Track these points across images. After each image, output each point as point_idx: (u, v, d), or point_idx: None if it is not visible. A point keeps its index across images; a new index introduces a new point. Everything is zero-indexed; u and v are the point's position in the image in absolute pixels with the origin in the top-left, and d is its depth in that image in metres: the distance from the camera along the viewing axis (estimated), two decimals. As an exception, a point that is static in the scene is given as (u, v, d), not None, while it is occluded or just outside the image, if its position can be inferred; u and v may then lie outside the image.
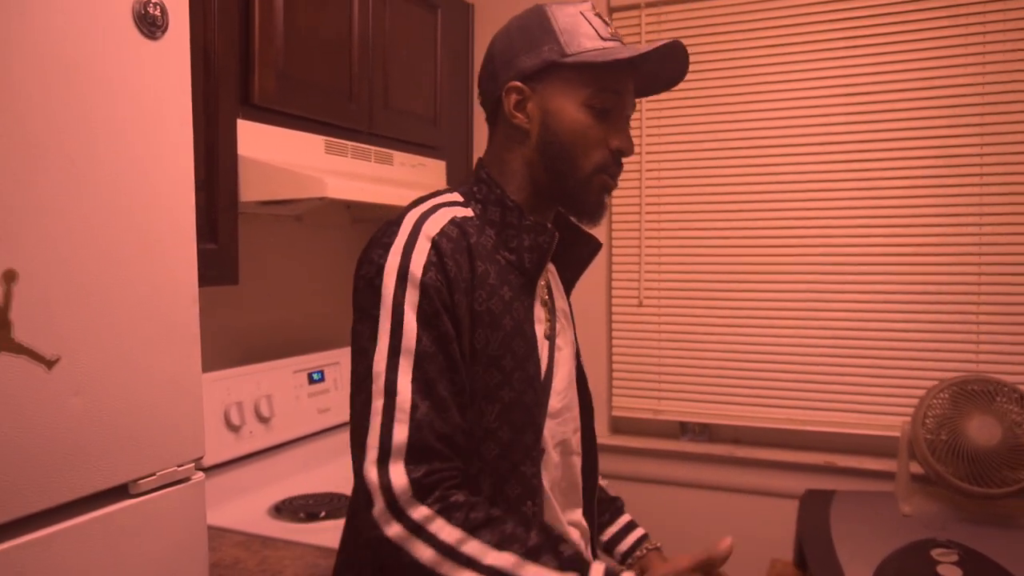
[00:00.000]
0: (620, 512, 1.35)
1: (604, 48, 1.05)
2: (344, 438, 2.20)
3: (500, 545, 0.91)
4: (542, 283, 1.13)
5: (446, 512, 0.92)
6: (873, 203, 2.10)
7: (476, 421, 1.00)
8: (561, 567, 0.91)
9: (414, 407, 0.94)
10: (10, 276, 0.78)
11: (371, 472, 0.92)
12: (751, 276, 2.23)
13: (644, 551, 1.28)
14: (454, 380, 0.97)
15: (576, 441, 1.18)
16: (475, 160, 2.50)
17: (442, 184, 2.33)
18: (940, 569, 1.58)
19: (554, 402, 1.10)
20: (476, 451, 1.00)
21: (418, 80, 2.20)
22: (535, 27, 1.08)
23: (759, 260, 2.22)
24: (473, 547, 0.91)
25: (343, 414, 2.18)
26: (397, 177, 2.10)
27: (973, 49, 2.00)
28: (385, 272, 0.98)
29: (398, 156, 2.11)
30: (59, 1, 0.84)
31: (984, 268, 2.01)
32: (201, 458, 1.01)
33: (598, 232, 1.23)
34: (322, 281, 2.40)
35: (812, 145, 2.16)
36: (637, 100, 1.15)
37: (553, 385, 1.10)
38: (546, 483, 1.08)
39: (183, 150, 0.97)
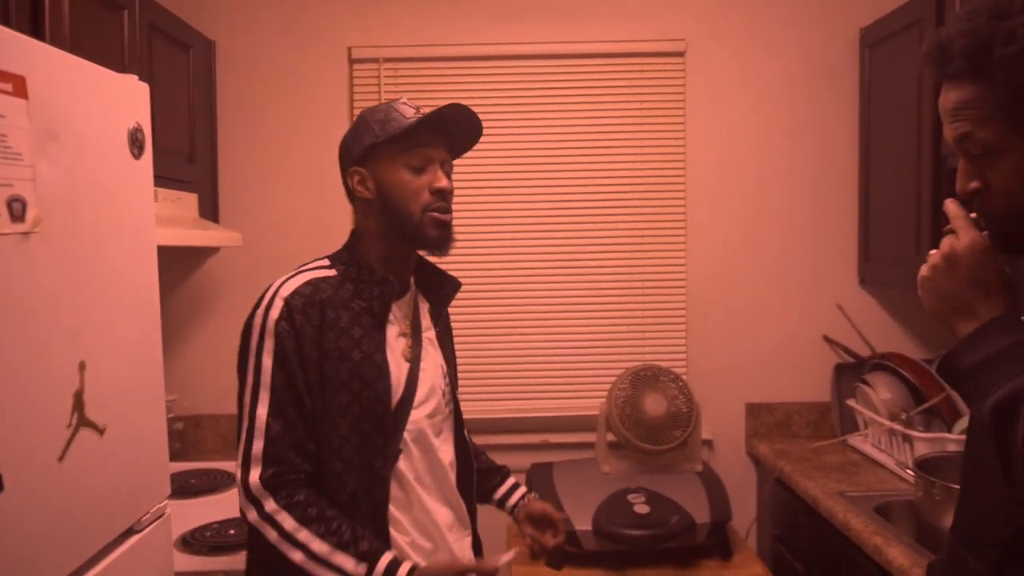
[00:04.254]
0: (507, 476, 1.71)
1: (408, 122, 1.38)
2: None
3: (323, 536, 1.26)
4: (402, 318, 1.45)
5: (289, 508, 1.26)
6: (571, 242, 2.68)
7: (333, 431, 1.32)
8: (359, 557, 1.26)
9: (268, 427, 1.28)
10: (83, 366, 0.90)
11: (239, 474, 1.28)
12: (480, 295, 2.68)
13: (527, 500, 1.65)
14: (301, 405, 1.30)
15: (440, 440, 1.48)
16: (220, 192, 2.64)
17: (194, 214, 2.43)
18: (635, 508, 2.16)
19: (415, 412, 1.41)
20: (337, 453, 1.32)
21: (177, 118, 2.29)
22: (359, 126, 1.43)
23: (487, 283, 2.68)
24: (304, 535, 1.25)
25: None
26: (161, 213, 2.18)
27: (631, 128, 2.66)
28: (252, 328, 1.33)
29: (162, 192, 2.19)
30: (91, 136, 1.00)
31: (646, 288, 2.69)
32: (170, 495, 1.19)
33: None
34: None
35: (527, 191, 2.67)
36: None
37: (415, 398, 1.41)
38: (410, 474, 1.40)
39: (152, 255, 1.15)
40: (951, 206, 1.01)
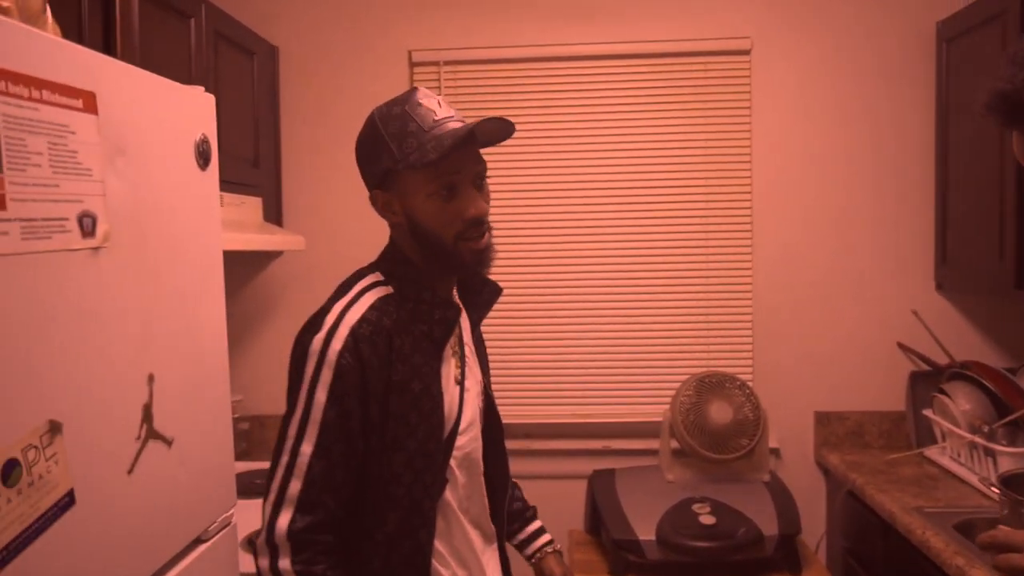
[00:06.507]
0: (530, 520, 1.59)
1: (427, 146, 1.18)
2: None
3: None
4: (451, 336, 1.31)
5: (301, 575, 1.14)
6: (635, 245, 2.63)
7: (385, 467, 1.21)
8: None
9: (310, 467, 1.16)
10: (151, 379, 0.91)
11: (267, 510, 1.16)
12: (543, 301, 2.65)
13: (544, 554, 1.55)
14: (350, 443, 1.18)
15: (478, 458, 1.37)
16: (283, 195, 2.67)
17: (259, 218, 2.46)
18: (701, 519, 2.11)
19: (460, 438, 1.30)
20: (384, 491, 1.21)
21: (242, 124, 2.32)
22: (370, 140, 1.25)
23: (549, 287, 2.65)
24: None
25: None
26: (225, 217, 2.21)
27: (695, 128, 2.60)
28: (309, 354, 1.18)
29: (227, 197, 2.22)
30: (159, 149, 1.01)
31: (711, 291, 2.63)
32: (236, 503, 1.19)
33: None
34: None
35: (590, 192, 2.63)
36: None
37: (461, 422, 1.30)
38: (454, 502, 1.30)
39: (218, 265, 1.16)
40: (984, 539, 1.04)
